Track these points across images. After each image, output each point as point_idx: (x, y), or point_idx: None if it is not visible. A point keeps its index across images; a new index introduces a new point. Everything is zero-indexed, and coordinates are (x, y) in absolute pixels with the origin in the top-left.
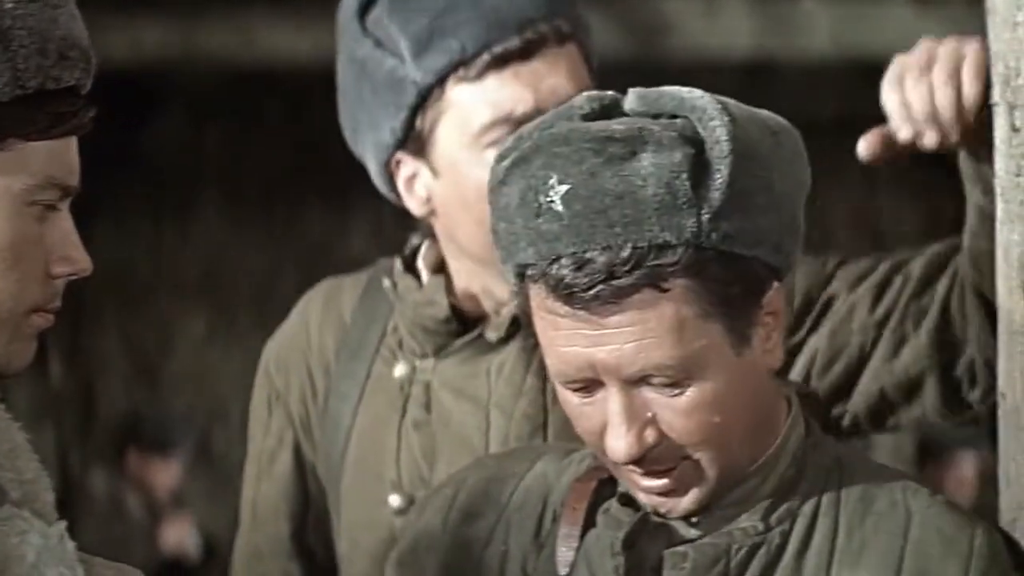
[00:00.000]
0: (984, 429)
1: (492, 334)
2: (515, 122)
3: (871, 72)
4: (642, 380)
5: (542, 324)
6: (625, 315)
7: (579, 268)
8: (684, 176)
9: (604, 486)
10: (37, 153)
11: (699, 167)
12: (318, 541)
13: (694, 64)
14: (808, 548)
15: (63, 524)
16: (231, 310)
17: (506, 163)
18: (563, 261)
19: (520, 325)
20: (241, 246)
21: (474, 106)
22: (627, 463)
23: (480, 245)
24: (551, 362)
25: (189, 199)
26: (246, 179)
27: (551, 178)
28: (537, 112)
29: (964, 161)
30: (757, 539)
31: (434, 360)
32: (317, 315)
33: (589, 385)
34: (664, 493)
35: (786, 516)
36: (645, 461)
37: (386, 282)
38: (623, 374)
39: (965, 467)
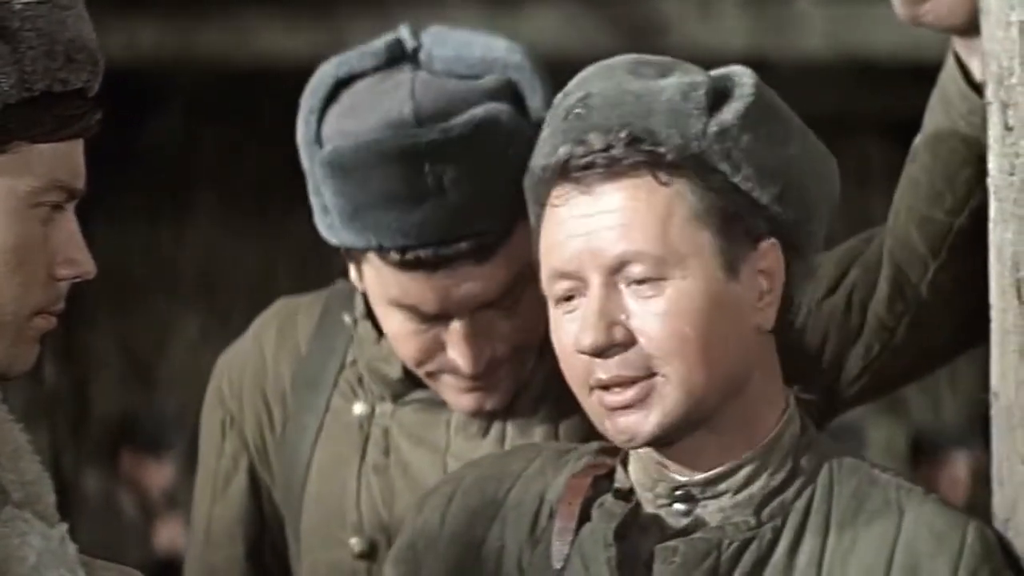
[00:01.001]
0: (977, 428)
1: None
2: (422, 314)
3: (866, 72)
4: (621, 270)
5: (547, 226)
6: (618, 192)
7: (580, 144)
8: (701, 92)
9: (600, 482)
10: (42, 155)
11: (719, 95)
12: (273, 561)
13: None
14: (800, 544)
15: (64, 526)
16: (226, 311)
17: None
18: (568, 143)
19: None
20: (236, 247)
21: (386, 283)
22: (591, 354)
23: (402, 356)
24: (547, 267)
25: (185, 199)
26: (242, 179)
27: (582, 91)
28: (444, 310)
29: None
30: (748, 534)
31: (392, 406)
32: (272, 343)
33: (573, 292)
34: (627, 407)
35: (778, 511)
36: (611, 363)
37: (347, 318)
38: (605, 258)
39: (958, 467)
